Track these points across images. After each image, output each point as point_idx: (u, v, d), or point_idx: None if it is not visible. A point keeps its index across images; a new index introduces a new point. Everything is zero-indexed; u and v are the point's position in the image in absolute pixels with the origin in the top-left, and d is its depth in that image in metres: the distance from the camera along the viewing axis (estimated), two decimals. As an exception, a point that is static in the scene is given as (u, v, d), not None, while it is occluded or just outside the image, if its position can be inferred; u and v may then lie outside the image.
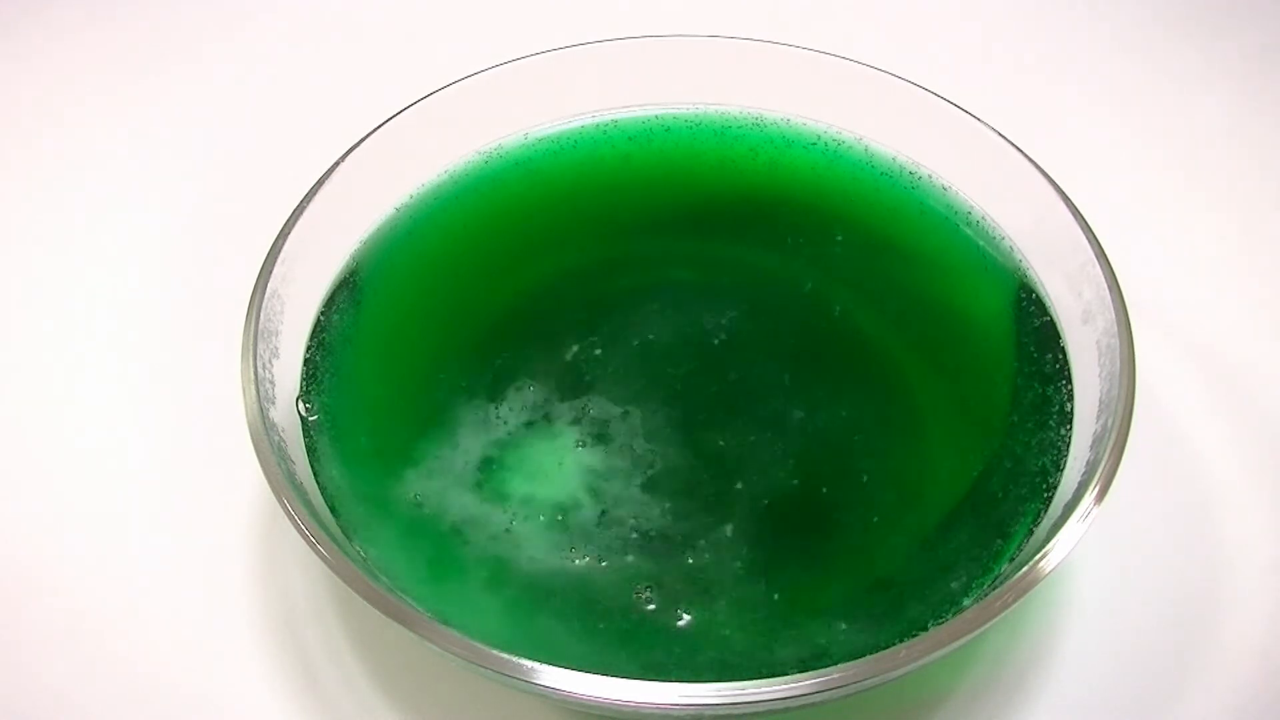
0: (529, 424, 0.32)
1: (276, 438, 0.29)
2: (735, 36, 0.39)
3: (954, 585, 0.29)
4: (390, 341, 0.34)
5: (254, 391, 0.30)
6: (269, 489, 0.28)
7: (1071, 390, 0.32)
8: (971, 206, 0.36)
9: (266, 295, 0.31)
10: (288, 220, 0.33)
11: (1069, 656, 0.33)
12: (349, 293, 0.35)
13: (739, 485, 0.31)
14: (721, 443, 0.32)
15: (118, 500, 0.37)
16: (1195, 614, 0.33)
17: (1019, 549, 0.29)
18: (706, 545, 0.30)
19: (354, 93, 0.50)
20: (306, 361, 0.33)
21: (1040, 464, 0.31)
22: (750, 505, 0.30)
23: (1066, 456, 0.30)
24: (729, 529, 0.30)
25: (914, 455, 0.31)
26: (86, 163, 0.48)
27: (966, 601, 0.28)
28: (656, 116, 0.39)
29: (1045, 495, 0.30)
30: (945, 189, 0.37)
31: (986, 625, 0.25)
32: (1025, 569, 0.26)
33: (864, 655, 0.25)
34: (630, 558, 0.29)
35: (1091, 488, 0.27)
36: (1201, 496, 0.36)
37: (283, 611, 0.34)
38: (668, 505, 0.30)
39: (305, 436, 0.31)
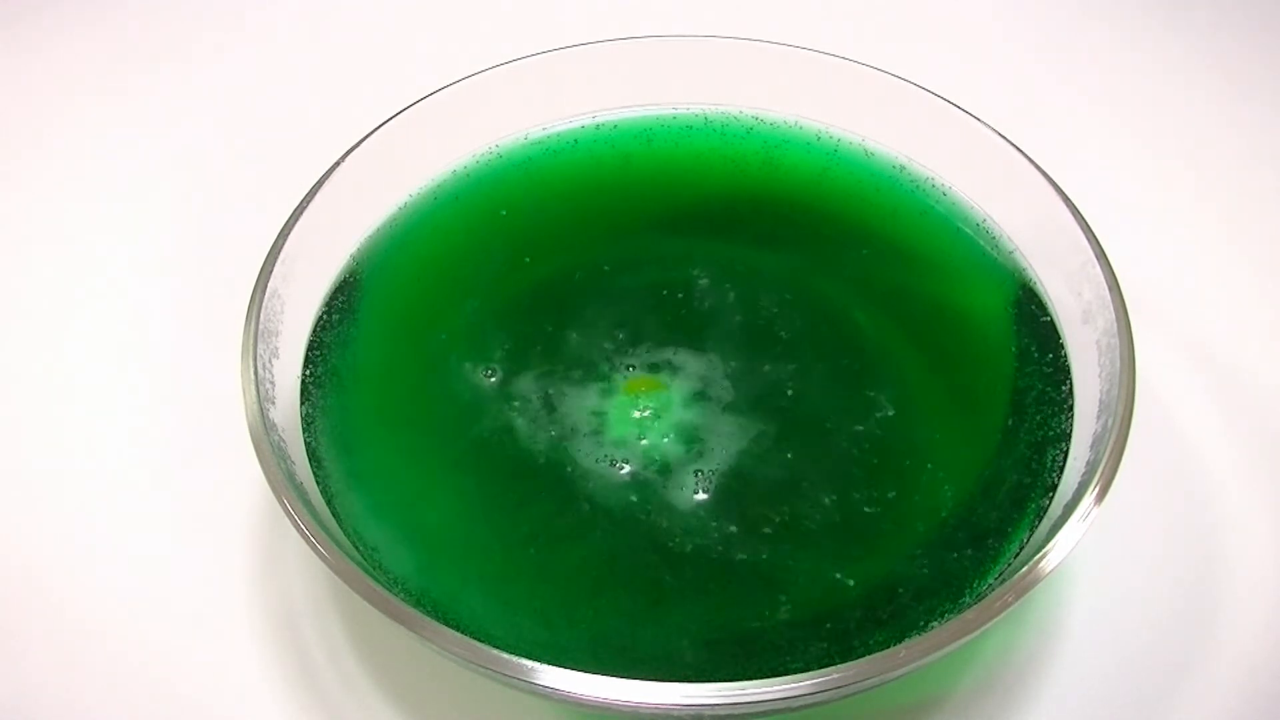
0: (529, 424, 0.32)
1: (276, 438, 0.29)
2: (735, 36, 0.39)
3: (954, 585, 0.29)
4: (390, 341, 0.34)
5: (254, 391, 0.30)
6: (269, 489, 0.28)
7: (1071, 390, 0.32)
8: (972, 207, 0.36)
9: (266, 295, 0.31)
10: (288, 220, 0.33)
11: (1069, 657, 0.33)
12: (349, 292, 0.35)
13: (737, 487, 0.31)
14: (717, 443, 0.32)
15: (118, 500, 0.37)
16: (1195, 614, 0.33)
17: (1019, 549, 0.29)
18: (699, 549, 0.30)
19: (354, 92, 0.50)
20: (307, 361, 0.33)
21: (1040, 464, 0.31)
22: (747, 506, 0.30)
23: (1066, 457, 0.30)
24: (728, 535, 0.30)
25: (914, 455, 0.31)
26: (86, 162, 0.48)
27: (966, 601, 0.28)
28: (656, 116, 0.39)
29: (1045, 495, 0.30)
30: (945, 189, 0.37)
31: (986, 625, 0.25)
32: (1025, 569, 0.26)
33: (864, 656, 0.25)
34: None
35: (1091, 488, 0.27)
36: (1201, 497, 0.36)
37: (283, 611, 0.34)
38: (665, 510, 0.30)
39: (305, 436, 0.31)
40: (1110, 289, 0.31)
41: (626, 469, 0.31)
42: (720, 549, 0.29)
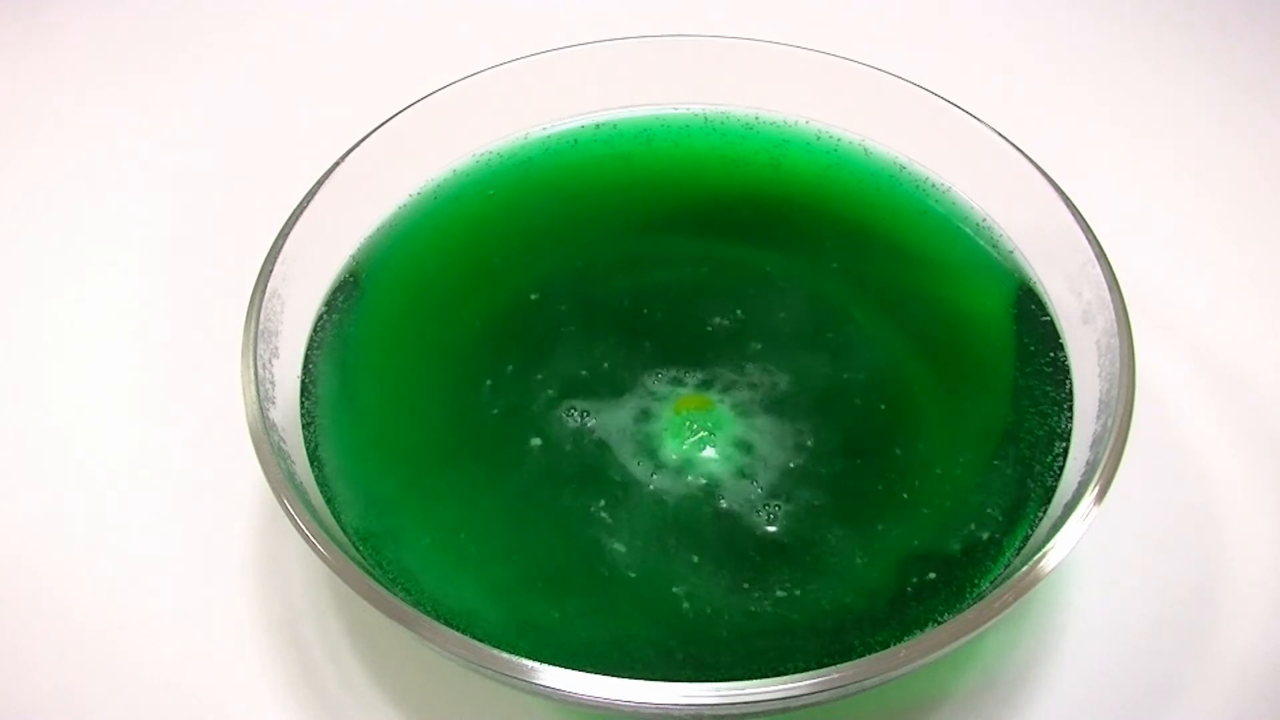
0: (528, 422, 0.32)
1: (276, 438, 0.29)
2: (735, 36, 0.39)
3: (954, 585, 0.29)
4: (390, 341, 0.34)
5: (254, 391, 0.30)
6: (269, 489, 0.28)
7: (1071, 390, 0.32)
8: (972, 207, 0.36)
9: (266, 295, 0.31)
10: (288, 220, 0.33)
11: (1068, 656, 0.33)
12: (349, 293, 0.35)
13: (731, 491, 0.31)
14: (715, 440, 0.32)
15: (118, 500, 0.37)
16: (1195, 614, 0.33)
17: (1019, 549, 0.29)
18: (697, 557, 0.30)
19: (354, 93, 0.50)
20: (307, 362, 0.33)
21: (1040, 464, 0.31)
22: (747, 508, 0.30)
23: (1066, 457, 0.30)
24: (717, 543, 0.30)
25: (913, 454, 0.31)
26: (86, 162, 0.48)
27: (966, 601, 0.28)
28: (656, 116, 0.39)
29: (1045, 495, 0.30)
30: (945, 189, 0.37)
31: (986, 625, 0.25)
32: (1025, 569, 0.26)
33: (864, 656, 0.25)
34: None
35: (1091, 488, 0.27)
36: (1201, 497, 0.36)
37: (283, 611, 0.34)
38: (663, 505, 0.30)
39: (305, 436, 0.31)
40: (1110, 289, 0.31)
41: (626, 468, 0.31)
42: (716, 538, 0.30)
